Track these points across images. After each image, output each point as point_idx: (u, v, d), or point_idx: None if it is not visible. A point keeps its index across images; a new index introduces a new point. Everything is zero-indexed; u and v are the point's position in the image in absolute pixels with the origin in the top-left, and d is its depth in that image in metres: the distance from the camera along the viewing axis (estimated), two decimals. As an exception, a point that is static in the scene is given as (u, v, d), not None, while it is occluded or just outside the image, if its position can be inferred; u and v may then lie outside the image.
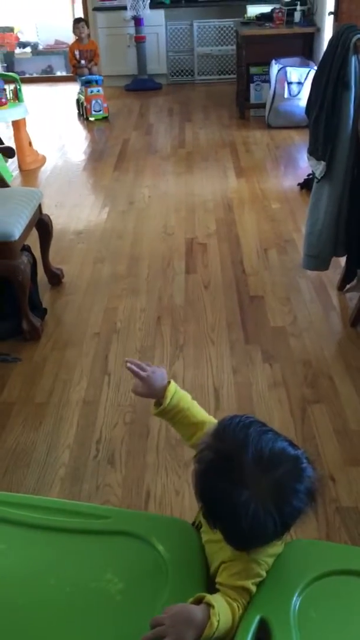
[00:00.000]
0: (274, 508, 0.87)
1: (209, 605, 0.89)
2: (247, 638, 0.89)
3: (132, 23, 7.09)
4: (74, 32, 6.46)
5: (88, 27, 6.53)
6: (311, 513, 0.93)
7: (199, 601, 0.90)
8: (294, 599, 0.95)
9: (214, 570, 0.99)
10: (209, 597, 0.90)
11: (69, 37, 8.98)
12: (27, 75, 8.58)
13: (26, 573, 0.98)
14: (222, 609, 0.90)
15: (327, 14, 5.35)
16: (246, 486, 0.87)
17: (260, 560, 0.96)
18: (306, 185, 3.93)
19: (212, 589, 0.97)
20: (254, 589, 0.95)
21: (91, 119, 6.14)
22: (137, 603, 0.93)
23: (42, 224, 2.86)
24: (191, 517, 1.66)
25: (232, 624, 0.92)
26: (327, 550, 1.07)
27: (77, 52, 6.42)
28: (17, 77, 4.97)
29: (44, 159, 4.98)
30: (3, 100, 4.55)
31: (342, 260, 2.77)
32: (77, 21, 6.56)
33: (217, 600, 0.90)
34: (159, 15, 7.23)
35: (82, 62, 6.40)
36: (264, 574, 0.97)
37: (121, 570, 0.97)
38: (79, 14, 8.07)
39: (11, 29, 9.18)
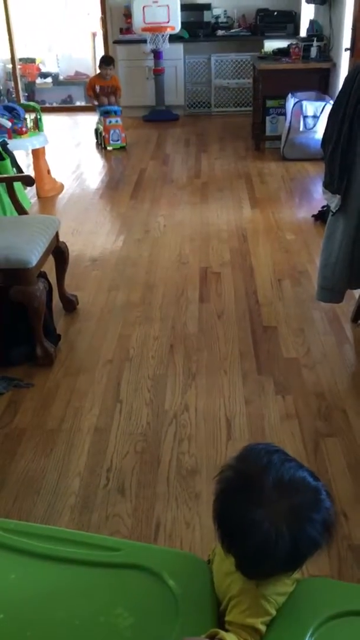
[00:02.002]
0: (287, 531, 0.87)
1: None
2: None
3: (152, 56, 7.26)
4: (100, 70, 6.57)
5: (114, 67, 6.65)
6: (325, 548, 0.92)
7: (212, 637, 0.89)
8: (307, 639, 0.93)
9: (223, 607, 0.98)
10: (223, 634, 0.89)
11: (89, 68, 9.22)
12: (47, 105, 8.78)
13: (35, 604, 0.97)
14: None
15: (343, 49, 5.44)
16: (261, 506, 0.88)
17: (270, 597, 0.95)
18: (320, 217, 3.96)
19: (222, 626, 0.95)
20: (263, 629, 0.94)
21: (109, 148, 6.25)
22: (147, 639, 0.92)
23: (58, 251, 2.89)
24: (201, 550, 1.65)
25: None
26: (340, 590, 1.05)
27: (97, 87, 6.55)
28: (38, 106, 5.08)
29: (61, 187, 5.06)
30: (24, 129, 4.65)
31: (357, 292, 2.77)
32: (106, 62, 6.49)
33: (231, 639, 0.89)
34: (178, 48, 7.40)
35: (103, 98, 6.51)
36: (274, 612, 0.95)
37: (131, 604, 0.96)
38: (100, 46, 8.28)
39: (33, 60, 9.44)
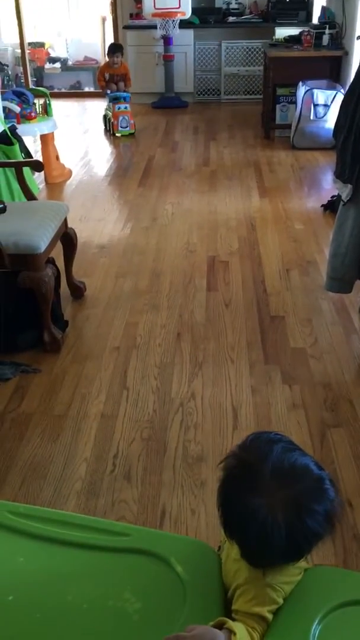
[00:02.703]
0: (283, 521, 0.86)
1: (231, 632, 0.88)
2: (265, 665, 0.87)
3: (162, 42, 7.20)
4: (108, 58, 6.53)
5: (122, 55, 6.61)
6: (329, 539, 0.92)
7: (219, 625, 0.89)
8: (313, 628, 0.93)
9: (230, 594, 0.98)
10: (231, 624, 0.89)
11: (98, 54, 9.15)
12: (56, 90, 8.73)
13: (44, 587, 0.98)
14: (244, 638, 0.89)
15: (355, 37, 5.38)
16: (259, 494, 0.87)
17: (276, 586, 0.95)
18: (330, 206, 3.94)
19: (229, 614, 0.96)
20: (270, 617, 0.94)
21: (117, 134, 6.21)
22: (154, 624, 0.93)
23: (67, 238, 2.89)
24: (206, 537, 1.66)
25: None
26: (347, 579, 1.06)
27: (107, 75, 6.50)
28: (47, 92, 5.06)
29: (70, 173, 5.05)
30: (32, 114, 4.63)
31: (365, 283, 2.76)
32: (114, 50, 6.48)
33: (239, 629, 0.89)
34: (188, 35, 7.33)
35: (112, 85, 6.48)
36: (281, 601, 0.95)
37: (139, 589, 0.96)
38: (110, 31, 8.21)
39: (42, 45, 9.37)
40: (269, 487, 0.87)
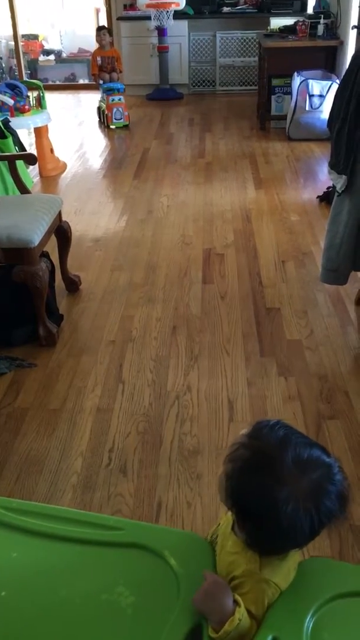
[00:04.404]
0: (313, 507, 0.88)
1: (236, 603, 0.89)
2: (259, 658, 0.87)
3: (156, 33, 7.15)
4: (96, 39, 6.53)
5: (111, 35, 6.59)
6: (337, 522, 0.93)
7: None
8: (307, 619, 0.93)
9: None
10: (237, 596, 0.90)
11: (92, 46, 9.08)
12: (50, 83, 8.68)
13: (37, 582, 0.98)
14: (246, 614, 0.90)
15: (350, 27, 5.35)
16: (285, 484, 0.88)
17: (271, 581, 0.95)
18: (325, 198, 3.93)
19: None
20: (260, 617, 0.94)
21: (112, 127, 6.18)
22: (148, 617, 0.92)
23: (61, 231, 2.87)
24: (202, 530, 1.66)
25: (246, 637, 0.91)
26: (342, 571, 1.06)
27: (99, 59, 6.48)
28: (41, 84, 5.03)
29: (64, 166, 5.02)
30: (26, 107, 4.60)
31: (361, 274, 2.75)
32: (99, 29, 6.63)
33: (243, 605, 0.90)
34: (183, 25, 7.29)
35: (105, 74, 6.46)
36: (274, 597, 0.95)
37: (133, 583, 0.96)
38: (103, 23, 8.16)
39: (36, 37, 9.31)
40: (294, 477, 0.88)
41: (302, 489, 0.88)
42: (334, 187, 2.53)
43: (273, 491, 0.88)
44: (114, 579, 0.97)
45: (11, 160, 3.16)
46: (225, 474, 0.93)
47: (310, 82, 5.24)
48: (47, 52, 9.38)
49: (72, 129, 6.43)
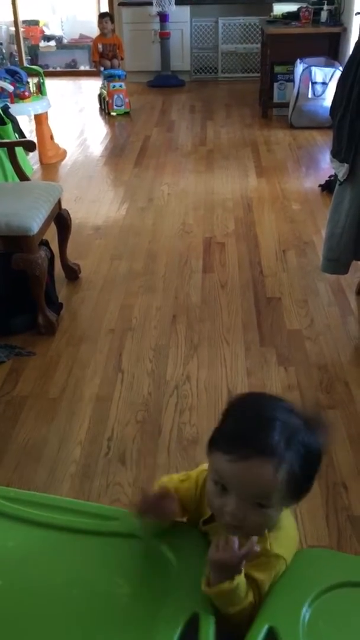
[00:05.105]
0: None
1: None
2: (255, 647, 0.87)
3: (157, 19, 7.09)
4: (98, 26, 6.47)
5: (112, 22, 6.53)
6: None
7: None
8: (304, 609, 0.93)
9: None
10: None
11: (94, 32, 9.00)
12: (50, 69, 8.61)
13: (33, 572, 0.97)
14: (244, 581, 0.89)
15: (354, 13, 5.29)
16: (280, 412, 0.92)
17: (281, 557, 0.94)
18: (327, 187, 3.90)
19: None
20: (265, 586, 0.93)
21: (113, 113, 6.14)
22: (144, 607, 0.92)
23: (61, 219, 2.85)
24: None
25: (241, 607, 0.90)
26: (339, 561, 1.05)
27: (100, 46, 6.42)
28: (41, 70, 4.99)
29: (64, 153, 4.99)
30: (26, 93, 4.56)
31: (362, 264, 2.74)
32: (101, 16, 6.58)
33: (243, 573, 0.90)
34: (185, 11, 7.22)
35: (106, 61, 6.41)
36: (278, 574, 0.94)
37: (128, 573, 0.96)
38: (105, 8, 8.08)
39: (36, 22, 9.23)
40: (285, 408, 0.93)
41: (293, 422, 0.92)
42: (335, 175, 2.51)
43: (270, 405, 0.95)
44: (110, 570, 0.96)
45: (10, 147, 3.14)
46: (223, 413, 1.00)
47: (313, 69, 5.19)
48: (48, 38, 9.30)
49: (72, 115, 6.38)
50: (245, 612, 0.91)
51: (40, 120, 4.76)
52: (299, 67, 5.28)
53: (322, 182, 4.02)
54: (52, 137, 4.91)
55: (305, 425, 0.92)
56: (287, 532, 0.97)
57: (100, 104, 6.44)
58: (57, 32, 9.41)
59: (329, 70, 5.19)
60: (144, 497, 0.99)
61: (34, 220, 2.44)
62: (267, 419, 0.91)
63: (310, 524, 1.64)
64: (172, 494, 1.00)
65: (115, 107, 6.11)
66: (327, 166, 4.37)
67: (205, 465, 1.06)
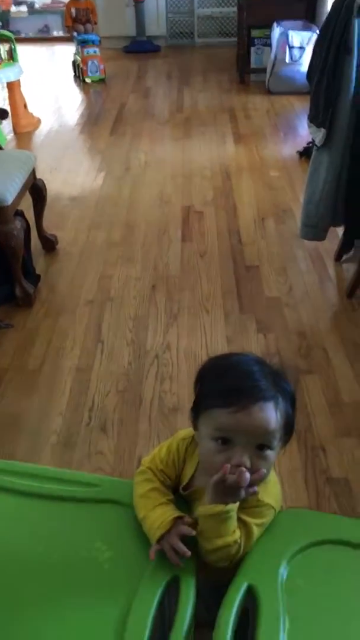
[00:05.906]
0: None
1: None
2: (235, 604, 0.89)
3: (131, -19, 6.90)
4: None
5: None
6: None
7: None
8: (282, 567, 0.95)
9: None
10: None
11: (66, -5, 8.74)
12: (22, 35, 8.36)
13: (15, 540, 0.98)
14: (235, 517, 0.92)
15: (331, -25, 5.20)
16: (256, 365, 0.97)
17: (271, 506, 0.97)
18: (306, 153, 3.87)
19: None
20: (255, 531, 0.95)
21: (87, 80, 6.01)
22: (125, 572, 0.93)
23: (36, 189, 2.81)
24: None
25: (226, 542, 0.92)
26: (316, 520, 1.08)
27: (73, 10, 6.25)
28: (12, 36, 4.83)
29: (39, 122, 4.89)
30: (-3, 60, 4.43)
31: (340, 230, 2.74)
32: None
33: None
34: (159, -27, 7.02)
35: (79, 25, 6.23)
36: (267, 521, 0.97)
37: (109, 538, 0.97)
38: (77, -29, 7.83)
39: (6, -14, 8.91)
40: (255, 360, 0.99)
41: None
42: (313, 141, 2.50)
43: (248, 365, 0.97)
44: (91, 535, 0.98)
45: (-18, 116, 3.06)
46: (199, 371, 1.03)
47: (291, 33, 5.10)
48: (19, 3, 9.00)
49: (46, 83, 6.23)
50: (229, 552, 0.93)
51: (12, 87, 4.64)
52: (276, 31, 5.19)
53: (301, 149, 3.99)
54: (25, 106, 4.79)
55: (277, 371, 0.98)
56: (274, 485, 1.01)
57: (75, 71, 6.29)
58: (29, -4, 9.11)
59: (306, 34, 5.11)
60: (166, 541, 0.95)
61: (8, 190, 2.39)
62: (249, 370, 0.96)
63: (289, 486, 1.67)
64: (189, 530, 0.96)
65: (89, 73, 5.98)
66: (305, 132, 4.33)
67: (183, 433, 1.07)
